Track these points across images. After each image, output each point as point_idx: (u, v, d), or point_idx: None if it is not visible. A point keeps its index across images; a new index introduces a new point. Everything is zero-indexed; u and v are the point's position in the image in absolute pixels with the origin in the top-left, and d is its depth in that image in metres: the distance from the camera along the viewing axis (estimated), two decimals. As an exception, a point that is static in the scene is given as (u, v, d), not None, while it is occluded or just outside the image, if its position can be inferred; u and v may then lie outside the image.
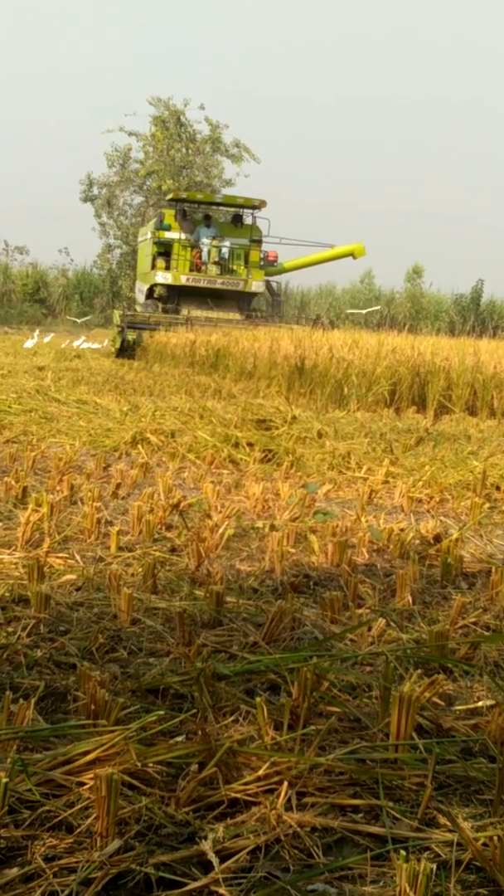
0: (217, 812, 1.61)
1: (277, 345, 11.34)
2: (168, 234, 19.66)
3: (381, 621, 2.58)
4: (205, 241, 19.57)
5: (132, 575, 3.02)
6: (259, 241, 19.94)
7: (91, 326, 31.80)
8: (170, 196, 20.84)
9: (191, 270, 19.43)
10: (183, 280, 19.20)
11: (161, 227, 19.82)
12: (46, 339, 20.57)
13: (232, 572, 3.16)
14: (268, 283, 20.71)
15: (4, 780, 1.52)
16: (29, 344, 18.66)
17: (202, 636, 2.47)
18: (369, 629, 2.53)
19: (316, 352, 10.60)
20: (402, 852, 1.39)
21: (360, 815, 1.64)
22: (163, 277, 19.34)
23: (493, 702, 2.12)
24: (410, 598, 2.89)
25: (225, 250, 19.63)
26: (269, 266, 20.60)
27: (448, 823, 1.59)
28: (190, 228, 19.72)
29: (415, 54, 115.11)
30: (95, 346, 20.17)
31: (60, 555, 3.20)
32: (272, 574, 3.14)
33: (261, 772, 1.68)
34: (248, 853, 1.49)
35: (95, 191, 35.95)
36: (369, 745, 1.85)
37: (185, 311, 18.46)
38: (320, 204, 71.80)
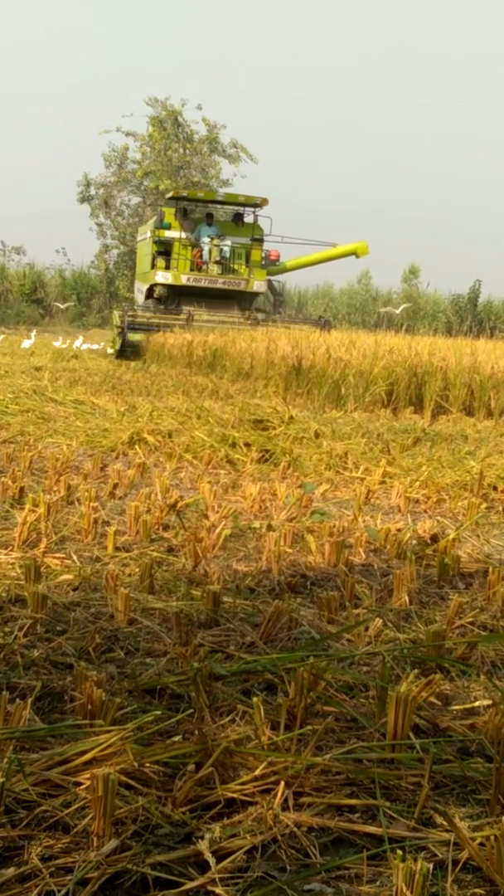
0: (214, 812, 1.61)
1: (275, 345, 11.33)
2: (168, 233, 19.22)
3: (378, 621, 2.58)
4: (206, 239, 19.13)
5: (129, 575, 3.02)
6: (261, 240, 19.55)
7: (76, 317, 31.39)
8: (170, 194, 20.20)
9: (191, 270, 19.03)
10: (183, 280, 18.78)
11: (161, 225, 19.39)
12: (30, 340, 19.88)
13: (229, 572, 3.16)
14: (270, 283, 20.31)
15: (1, 779, 1.52)
16: (26, 344, 18.59)
17: (199, 636, 2.47)
18: (366, 629, 2.53)
19: (313, 352, 10.60)
20: (399, 852, 1.39)
21: (357, 814, 1.64)
22: (163, 277, 18.90)
23: (489, 701, 2.12)
24: (407, 598, 2.89)
25: (226, 249, 19.19)
26: (271, 265, 20.19)
27: (445, 823, 1.59)
28: (190, 227, 19.35)
29: (415, 54, 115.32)
30: (94, 346, 20.11)
31: (57, 555, 3.20)
32: (269, 574, 3.14)
33: (257, 772, 1.68)
34: (244, 853, 1.49)
35: (93, 191, 35.90)
36: (366, 744, 1.85)
37: (187, 311, 18.16)
38: (318, 203, 71.93)
